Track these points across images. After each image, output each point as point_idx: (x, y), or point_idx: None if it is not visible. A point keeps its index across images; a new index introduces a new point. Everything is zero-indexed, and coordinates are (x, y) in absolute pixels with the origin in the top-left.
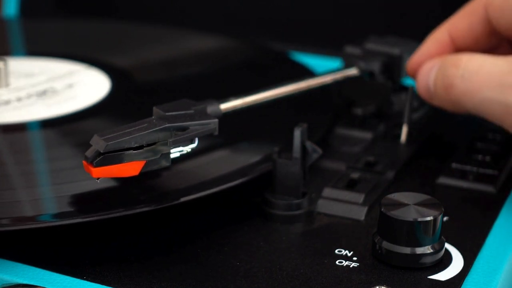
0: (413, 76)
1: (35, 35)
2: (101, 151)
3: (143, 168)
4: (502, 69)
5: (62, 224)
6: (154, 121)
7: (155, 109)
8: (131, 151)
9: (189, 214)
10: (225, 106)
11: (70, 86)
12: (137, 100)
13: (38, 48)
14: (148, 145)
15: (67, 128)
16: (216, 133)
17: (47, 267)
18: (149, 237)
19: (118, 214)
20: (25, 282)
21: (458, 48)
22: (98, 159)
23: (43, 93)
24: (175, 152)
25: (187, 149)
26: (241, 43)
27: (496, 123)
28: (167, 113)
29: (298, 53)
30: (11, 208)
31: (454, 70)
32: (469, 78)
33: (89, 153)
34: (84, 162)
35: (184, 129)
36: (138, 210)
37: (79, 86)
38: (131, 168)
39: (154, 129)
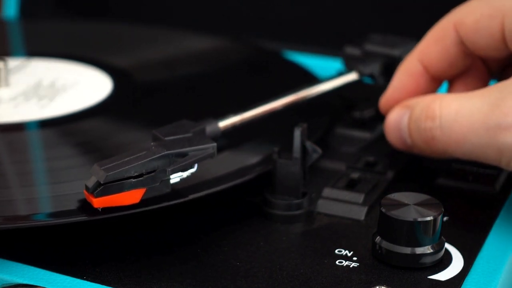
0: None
1: (35, 35)
2: (101, 182)
3: (143, 195)
4: (482, 110)
5: (61, 224)
6: (153, 147)
7: (154, 133)
8: (131, 180)
9: (189, 214)
10: (224, 124)
11: (70, 86)
12: (138, 100)
13: (38, 48)
14: (148, 172)
15: (67, 128)
16: (215, 156)
17: (47, 267)
18: (149, 237)
19: (117, 214)
20: (25, 282)
21: (433, 75)
22: (99, 189)
23: (43, 93)
24: (175, 178)
25: (186, 173)
26: (241, 43)
27: (491, 164)
28: (166, 138)
29: (297, 53)
30: (9, 207)
31: (430, 123)
32: (449, 128)
33: (90, 183)
34: (85, 192)
35: (183, 155)
36: (138, 210)
37: (80, 86)
38: (131, 196)
39: (153, 157)
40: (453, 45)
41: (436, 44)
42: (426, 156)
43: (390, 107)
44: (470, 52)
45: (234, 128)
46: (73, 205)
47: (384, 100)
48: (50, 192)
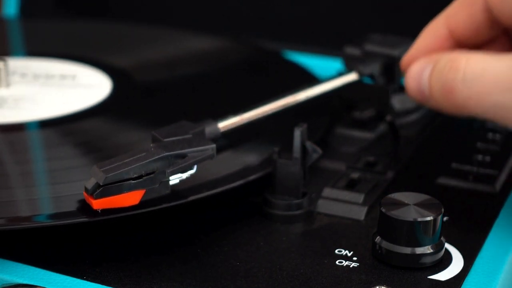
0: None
1: (35, 35)
2: (101, 184)
3: (143, 197)
4: (509, 72)
5: (61, 224)
6: (152, 149)
7: (153, 134)
8: (130, 181)
9: (189, 214)
10: (223, 125)
11: (70, 86)
12: (138, 100)
13: (38, 48)
14: (147, 174)
15: (67, 128)
16: (214, 157)
17: (47, 267)
18: (149, 237)
19: (118, 215)
20: (25, 282)
21: (458, 40)
22: (98, 191)
23: (43, 93)
24: (174, 179)
25: (186, 175)
26: (241, 43)
27: (506, 126)
28: (165, 139)
29: (297, 53)
30: (10, 208)
31: (453, 74)
32: (472, 82)
33: (89, 184)
34: (84, 193)
35: (182, 156)
36: (138, 211)
37: (80, 86)
38: (131, 198)
39: (152, 159)
40: (481, 12)
41: (463, 9)
42: (442, 111)
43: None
44: (497, 21)
45: (234, 129)
46: (74, 206)
47: (406, 58)
48: (51, 193)
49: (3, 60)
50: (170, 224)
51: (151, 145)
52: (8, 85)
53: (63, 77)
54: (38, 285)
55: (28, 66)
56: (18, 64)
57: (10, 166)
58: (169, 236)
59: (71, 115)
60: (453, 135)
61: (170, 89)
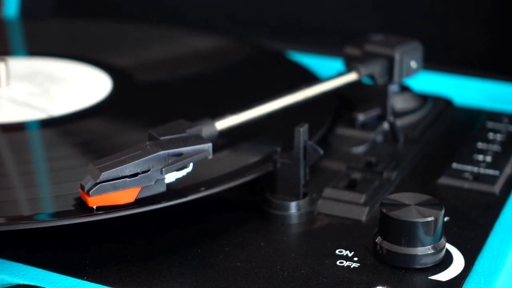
0: None
1: (35, 35)
2: (96, 181)
3: (138, 194)
4: None
5: (61, 224)
6: (148, 147)
7: (150, 132)
8: (126, 179)
9: (189, 214)
10: (220, 125)
11: (70, 86)
12: (138, 100)
13: (38, 48)
14: (143, 172)
15: (67, 128)
16: (210, 157)
17: (47, 267)
18: (149, 237)
19: (117, 214)
20: (25, 282)
21: None
22: (94, 188)
23: (43, 93)
24: (170, 177)
25: (182, 173)
26: (241, 43)
27: None
28: (161, 138)
29: (298, 53)
30: (9, 208)
31: None
32: None
33: (85, 182)
34: (80, 190)
35: (178, 154)
36: (137, 210)
37: (80, 86)
38: (126, 195)
39: (147, 157)
40: None
41: None
42: None
43: None
44: None
45: (232, 128)
46: (73, 205)
47: None
48: (50, 192)
49: (4, 60)
50: (170, 224)
51: (147, 143)
52: (8, 85)
53: (63, 77)
54: (38, 285)
55: (28, 66)
56: (18, 64)
57: (8, 166)
58: (169, 236)
59: (71, 115)
60: (453, 135)
61: (170, 89)
